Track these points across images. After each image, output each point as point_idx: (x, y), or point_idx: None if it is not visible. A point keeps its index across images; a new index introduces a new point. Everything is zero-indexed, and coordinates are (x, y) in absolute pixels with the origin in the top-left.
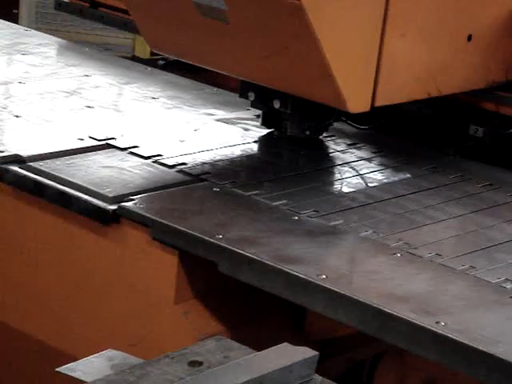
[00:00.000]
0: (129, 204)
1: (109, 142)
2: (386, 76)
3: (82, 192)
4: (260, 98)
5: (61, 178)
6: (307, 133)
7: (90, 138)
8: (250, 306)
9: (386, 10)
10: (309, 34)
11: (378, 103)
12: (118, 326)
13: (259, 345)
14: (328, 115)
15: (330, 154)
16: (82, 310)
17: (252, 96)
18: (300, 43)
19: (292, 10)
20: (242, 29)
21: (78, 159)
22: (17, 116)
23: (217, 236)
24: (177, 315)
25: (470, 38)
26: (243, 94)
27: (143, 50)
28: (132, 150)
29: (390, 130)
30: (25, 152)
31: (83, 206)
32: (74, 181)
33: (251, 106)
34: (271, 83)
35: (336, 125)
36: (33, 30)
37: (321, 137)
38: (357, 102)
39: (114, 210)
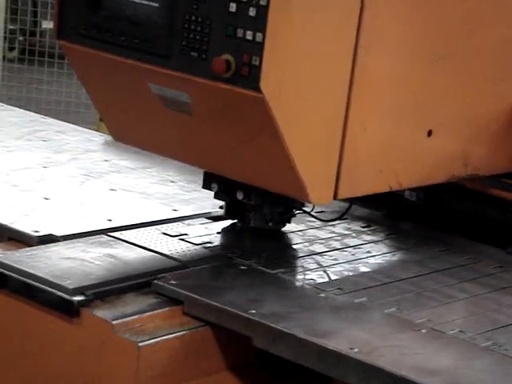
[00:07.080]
0: (160, 282)
1: None
2: (348, 169)
3: (44, 284)
4: (223, 189)
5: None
6: (270, 224)
7: None
8: None
9: (348, 104)
10: (271, 126)
11: (341, 196)
12: None
13: None
14: (290, 207)
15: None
16: None
17: (215, 187)
18: (263, 136)
19: (254, 102)
20: (205, 121)
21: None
22: (46, 198)
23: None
24: None
25: (430, 133)
26: (206, 185)
27: None
28: None
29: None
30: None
31: (45, 297)
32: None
33: (214, 197)
34: (234, 175)
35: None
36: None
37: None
38: (319, 194)
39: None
